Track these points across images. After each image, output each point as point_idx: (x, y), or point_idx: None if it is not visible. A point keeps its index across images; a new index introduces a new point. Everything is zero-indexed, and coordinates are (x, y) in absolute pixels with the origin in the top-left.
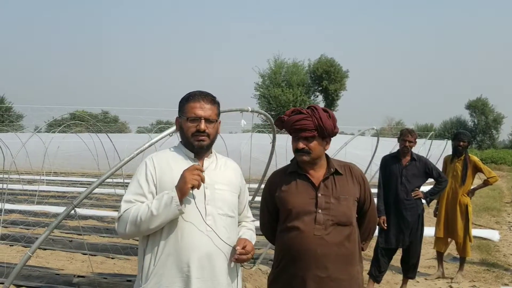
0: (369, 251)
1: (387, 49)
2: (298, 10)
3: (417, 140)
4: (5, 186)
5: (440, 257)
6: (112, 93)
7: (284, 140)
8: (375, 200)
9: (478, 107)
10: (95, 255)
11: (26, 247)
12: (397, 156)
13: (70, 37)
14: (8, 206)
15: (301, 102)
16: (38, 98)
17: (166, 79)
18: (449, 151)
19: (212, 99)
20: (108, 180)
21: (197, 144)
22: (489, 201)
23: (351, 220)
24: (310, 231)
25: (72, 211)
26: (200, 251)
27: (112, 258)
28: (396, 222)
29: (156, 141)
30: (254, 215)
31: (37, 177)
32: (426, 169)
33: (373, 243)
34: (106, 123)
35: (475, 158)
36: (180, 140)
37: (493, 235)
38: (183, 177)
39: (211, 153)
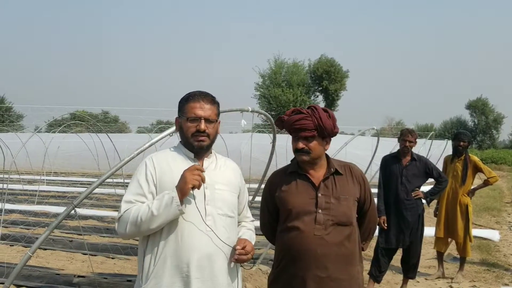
0: (369, 251)
1: (387, 49)
2: (298, 10)
3: (417, 140)
4: (5, 186)
5: (440, 257)
6: (112, 93)
7: (284, 140)
8: (375, 200)
9: (478, 107)
10: (95, 255)
11: (26, 247)
12: (397, 156)
13: (70, 37)
14: (9, 206)
15: (301, 102)
16: (38, 98)
17: (166, 79)
18: (449, 151)
19: (212, 99)
20: (108, 180)
21: (197, 144)
22: (490, 201)
23: (351, 220)
24: (310, 231)
25: (72, 211)
26: (200, 251)
27: (112, 258)
28: (396, 222)
29: (156, 141)
30: (254, 215)
31: (37, 177)
32: (426, 169)
33: (373, 243)
34: (106, 123)
35: (475, 158)
36: (180, 140)
37: (493, 235)
38: (183, 177)
39: (211, 153)
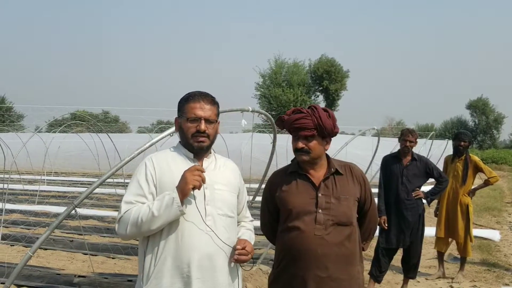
0: (370, 251)
1: (387, 49)
2: (298, 10)
3: (417, 140)
4: (5, 186)
5: (440, 257)
6: (113, 93)
7: (285, 140)
8: (376, 200)
9: (478, 107)
10: (95, 255)
11: (26, 247)
12: (398, 156)
13: (70, 37)
14: (9, 206)
15: (302, 102)
16: (38, 98)
17: (166, 79)
18: (449, 151)
19: (212, 100)
20: (108, 180)
21: (197, 145)
22: (490, 201)
23: (351, 220)
24: (310, 231)
25: (73, 211)
26: (200, 252)
27: (112, 258)
28: (396, 222)
29: (157, 141)
30: (254, 215)
31: (38, 177)
32: (426, 169)
33: (373, 243)
34: (107, 123)
35: (476, 158)
36: (179, 140)
37: (493, 235)
38: (184, 178)
39: (210, 153)
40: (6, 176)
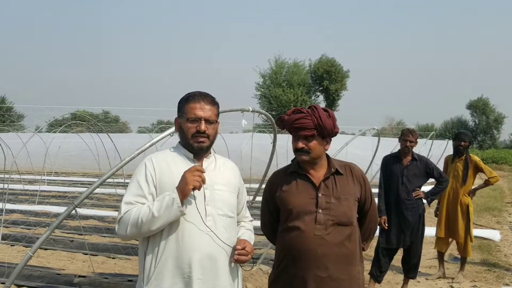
0: (370, 251)
1: (387, 49)
2: (298, 10)
3: (418, 140)
4: (6, 186)
5: (441, 257)
6: (113, 93)
7: (285, 140)
8: (376, 200)
9: (479, 107)
10: (96, 255)
11: (27, 247)
12: (398, 156)
13: (70, 37)
14: (9, 206)
15: (302, 102)
16: (38, 98)
17: (166, 79)
18: (450, 151)
19: (212, 100)
20: (109, 180)
21: (196, 145)
22: (490, 201)
23: (351, 220)
24: (310, 231)
25: (73, 211)
26: (201, 252)
27: (113, 258)
28: (397, 222)
29: (157, 141)
30: (255, 215)
31: (38, 177)
32: (427, 169)
33: (374, 243)
34: (107, 123)
35: (476, 158)
36: (179, 140)
37: (494, 235)
38: (184, 178)
39: (210, 153)
40: (6, 176)
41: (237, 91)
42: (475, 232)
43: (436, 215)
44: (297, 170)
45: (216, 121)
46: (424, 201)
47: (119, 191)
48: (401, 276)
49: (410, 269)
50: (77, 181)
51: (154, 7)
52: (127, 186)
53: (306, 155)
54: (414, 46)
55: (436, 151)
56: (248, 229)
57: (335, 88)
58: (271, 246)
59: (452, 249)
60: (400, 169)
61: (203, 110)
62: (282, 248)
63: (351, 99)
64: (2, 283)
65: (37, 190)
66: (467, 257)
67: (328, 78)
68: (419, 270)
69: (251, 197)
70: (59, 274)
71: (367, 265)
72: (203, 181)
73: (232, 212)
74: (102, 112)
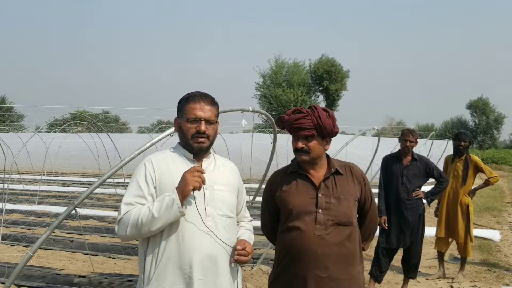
0: (370, 251)
1: (387, 49)
2: (298, 10)
3: (418, 140)
4: (6, 186)
5: (441, 257)
6: (113, 93)
7: (285, 140)
8: (376, 200)
9: (479, 107)
10: (96, 255)
11: (27, 247)
12: (398, 156)
13: (70, 37)
14: (9, 206)
15: (302, 102)
16: (38, 98)
17: (166, 79)
18: (450, 151)
19: (212, 100)
20: (109, 180)
21: (196, 145)
22: (490, 201)
23: (351, 220)
24: (310, 231)
25: (73, 211)
26: (202, 252)
27: (113, 258)
28: (397, 222)
29: (157, 141)
30: (255, 215)
31: (38, 177)
32: (427, 169)
33: (374, 243)
34: (107, 123)
35: (476, 158)
36: (178, 141)
37: (494, 235)
38: (184, 179)
39: (210, 154)
40: (7, 176)
41: (237, 91)
42: (475, 232)
43: (436, 215)
44: (297, 170)
45: (216, 122)
46: (424, 201)
47: (119, 191)
48: (401, 276)
49: (410, 269)
50: (77, 181)
51: (154, 7)
52: (127, 186)
53: (306, 155)
54: (414, 46)
55: (436, 151)
56: (247, 229)
57: (335, 88)
58: (271, 246)
59: (452, 249)
60: (400, 169)
61: (203, 110)
62: (282, 248)
63: (351, 99)
64: (2, 283)
65: (37, 190)
66: (467, 257)
67: (328, 78)
68: (419, 270)
69: (251, 197)
70: (59, 274)
71: (367, 265)
72: (203, 182)
73: (232, 212)
74: (102, 112)
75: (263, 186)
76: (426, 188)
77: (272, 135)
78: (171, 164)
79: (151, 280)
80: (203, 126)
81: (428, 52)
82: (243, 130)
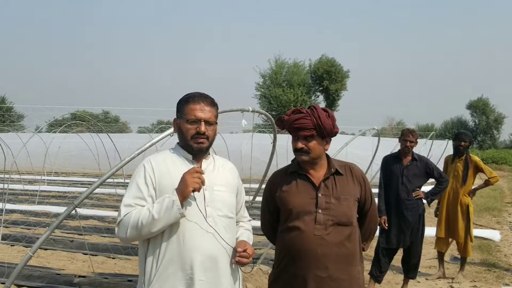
0: (370, 251)
1: (387, 49)
2: (298, 10)
3: (418, 140)
4: (6, 186)
5: (441, 257)
6: (113, 93)
7: (285, 140)
8: (376, 200)
9: (479, 107)
10: (96, 255)
11: (27, 247)
12: (398, 156)
13: (70, 37)
14: (9, 206)
15: (302, 102)
16: (38, 98)
17: (166, 79)
18: (450, 151)
19: (211, 101)
20: (109, 180)
21: (196, 146)
22: (490, 201)
23: (351, 220)
24: (310, 231)
25: (73, 211)
26: (203, 253)
27: (113, 258)
28: (397, 222)
29: (157, 141)
30: (255, 215)
31: (38, 177)
32: (427, 169)
33: (374, 243)
34: (107, 123)
35: (476, 158)
36: (178, 141)
37: (494, 235)
38: (184, 180)
39: (209, 154)
40: (6, 176)
41: (237, 91)
42: (475, 232)
43: (436, 215)
44: (297, 170)
45: (216, 122)
46: (424, 201)
47: (119, 191)
48: (401, 276)
49: (410, 269)
50: (77, 181)
51: (154, 7)
52: (127, 186)
53: (306, 155)
54: (414, 46)
55: (436, 151)
56: (246, 229)
57: (335, 88)
58: (271, 246)
59: (452, 249)
60: (400, 169)
61: (203, 111)
62: (282, 248)
63: (351, 99)
64: (2, 283)
65: (37, 190)
66: (467, 257)
67: (328, 78)
68: (419, 270)
69: (251, 197)
70: (59, 274)
71: (367, 265)
72: (203, 183)
73: (232, 212)
74: (102, 112)
75: (263, 186)
76: (426, 188)
77: (272, 135)
78: (170, 165)
79: (152, 282)
80: (203, 127)
81: (428, 52)
82: (243, 130)
